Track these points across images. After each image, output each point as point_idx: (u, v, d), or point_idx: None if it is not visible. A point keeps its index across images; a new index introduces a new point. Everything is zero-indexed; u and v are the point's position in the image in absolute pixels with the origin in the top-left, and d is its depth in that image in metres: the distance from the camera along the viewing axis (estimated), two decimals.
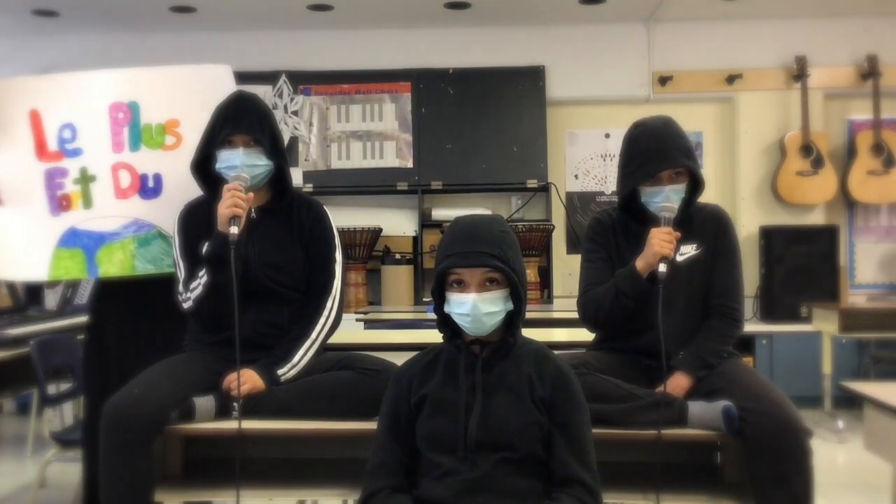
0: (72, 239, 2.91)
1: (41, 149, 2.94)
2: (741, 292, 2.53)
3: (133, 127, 2.94)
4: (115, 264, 2.88)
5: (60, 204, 2.92)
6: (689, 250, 2.50)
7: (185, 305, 2.55)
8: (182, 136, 2.94)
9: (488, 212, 5.61)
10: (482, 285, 1.97)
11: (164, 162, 2.93)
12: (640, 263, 2.40)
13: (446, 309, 2.01)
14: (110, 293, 3.03)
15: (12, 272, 3.12)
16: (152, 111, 2.95)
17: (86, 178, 2.93)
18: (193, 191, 2.70)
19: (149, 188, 2.94)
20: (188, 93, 2.98)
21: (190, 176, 2.66)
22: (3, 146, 2.99)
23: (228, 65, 3.05)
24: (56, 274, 2.95)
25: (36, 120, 2.96)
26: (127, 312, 3.01)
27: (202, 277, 2.48)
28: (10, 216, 2.96)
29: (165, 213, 2.83)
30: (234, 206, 2.42)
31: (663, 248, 2.35)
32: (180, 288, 2.57)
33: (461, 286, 1.98)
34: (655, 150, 2.42)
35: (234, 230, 2.41)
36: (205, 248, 2.48)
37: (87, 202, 2.93)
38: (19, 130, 2.97)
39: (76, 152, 2.94)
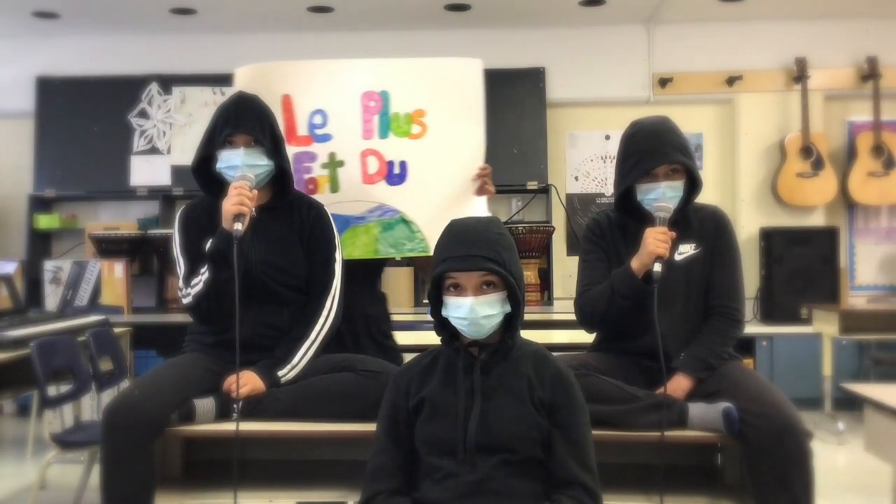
0: None
1: (291, 133, 2.98)
2: (741, 293, 2.53)
3: (383, 115, 3.02)
4: (358, 247, 2.95)
5: (307, 187, 2.97)
6: (687, 250, 2.50)
7: (185, 301, 2.55)
8: (427, 126, 3.01)
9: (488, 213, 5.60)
10: (479, 289, 1.96)
11: (409, 150, 3.01)
12: (636, 263, 2.40)
13: (444, 313, 2.01)
14: None
15: None
16: (401, 101, 3.02)
17: (334, 163, 3.00)
18: (436, 179, 2.87)
19: (394, 174, 3.01)
20: (436, 84, 3.04)
21: (433, 164, 2.77)
22: None
23: (479, 59, 3.07)
24: None
25: (287, 105, 3.01)
26: None
27: (203, 274, 2.48)
28: None
29: (409, 200, 2.95)
30: (240, 204, 2.42)
31: (658, 247, 2.35)
32: (181, 283, 2.56)
33: (458, 290, 1.98)
34: (651, 147, 2.43)
35: (239, 227, 2.41)
36: (208, 245, 2.48)
37: (335, 186, 3.00)
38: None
39: (325, 137, 3.01)
